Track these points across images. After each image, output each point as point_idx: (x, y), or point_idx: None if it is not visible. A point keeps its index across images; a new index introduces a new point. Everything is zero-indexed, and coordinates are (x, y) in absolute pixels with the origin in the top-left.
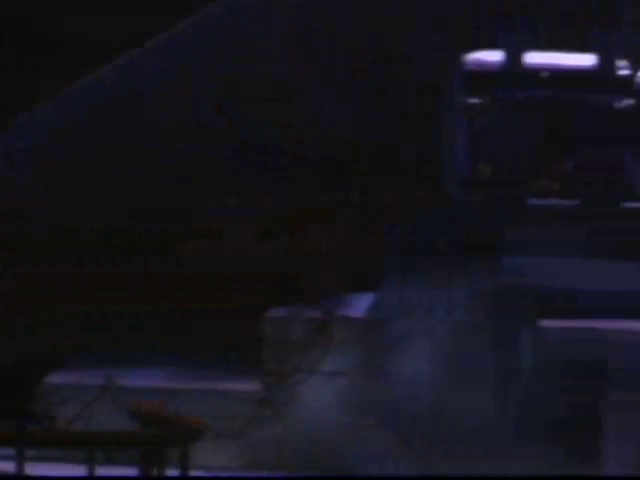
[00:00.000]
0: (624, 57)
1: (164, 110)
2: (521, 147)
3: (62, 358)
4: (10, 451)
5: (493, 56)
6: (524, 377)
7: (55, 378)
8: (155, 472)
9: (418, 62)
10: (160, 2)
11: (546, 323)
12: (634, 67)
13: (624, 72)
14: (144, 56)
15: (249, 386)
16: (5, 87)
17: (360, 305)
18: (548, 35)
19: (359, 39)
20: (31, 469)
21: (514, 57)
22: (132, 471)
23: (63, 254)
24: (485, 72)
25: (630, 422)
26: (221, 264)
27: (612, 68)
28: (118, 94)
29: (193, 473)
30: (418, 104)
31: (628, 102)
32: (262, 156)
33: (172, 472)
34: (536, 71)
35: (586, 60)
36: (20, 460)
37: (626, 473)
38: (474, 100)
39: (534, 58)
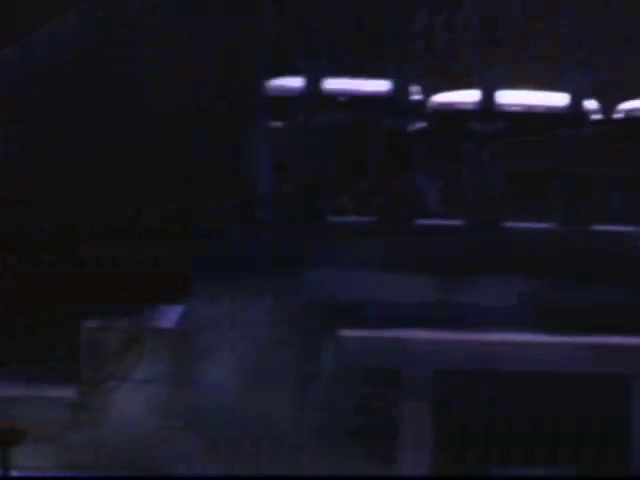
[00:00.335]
0: (416, 83)
1: None
2: (322, 168)
3: None
4: None
5: (295, 82)
6: (325, 384)
7: None
8: None
9: (223, 88)
10: None
11: (346, 333)
12: (425, 92)
13: (416, 97)
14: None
15: (66, 393)
16: None
17: (170, 316)
18: (347, 63)
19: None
20: None
21: (315, 83)
22: None
23: None
24: (287, 97)
25: (423, 428)
26: (44, 266)
27: (405, 93)
28: None
29: (14, 474)
30: (223, 128)
31: (420, 125)
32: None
33: None
34: (335, 96)
35: (381, 86)
36: None
37: (421, 474)
38: (277, 124)
39: (333, 84)
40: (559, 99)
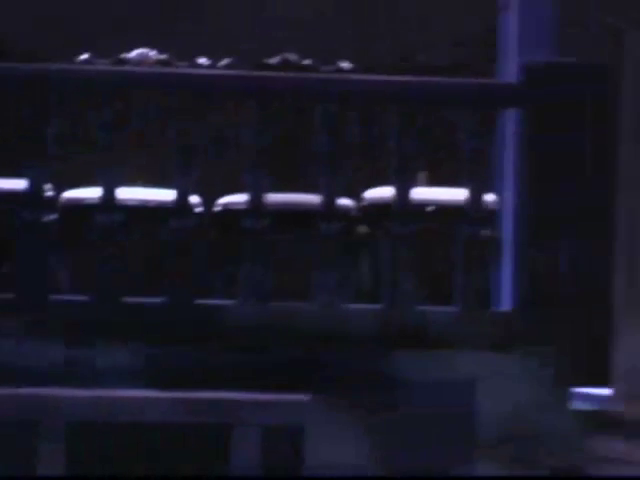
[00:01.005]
0: (49, 181)
1: None
2: None
3: None
4: None
5: None
6: None
7: None
8: None
9: None
10: None
11: None
12: (58, 189)
13: (50, 193)
14: None
15: None
16: None
17: None
18: None
19: None
20: None
21: None
22: None
23: None
24: None
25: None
26: None
27: (40, 190)
28: None
29: None
30: None
31: (54, 217)
32: None
33: None
34: None
35: (20, 184)
36: None
37: None
38: None
39: None
40: (168, 194)
